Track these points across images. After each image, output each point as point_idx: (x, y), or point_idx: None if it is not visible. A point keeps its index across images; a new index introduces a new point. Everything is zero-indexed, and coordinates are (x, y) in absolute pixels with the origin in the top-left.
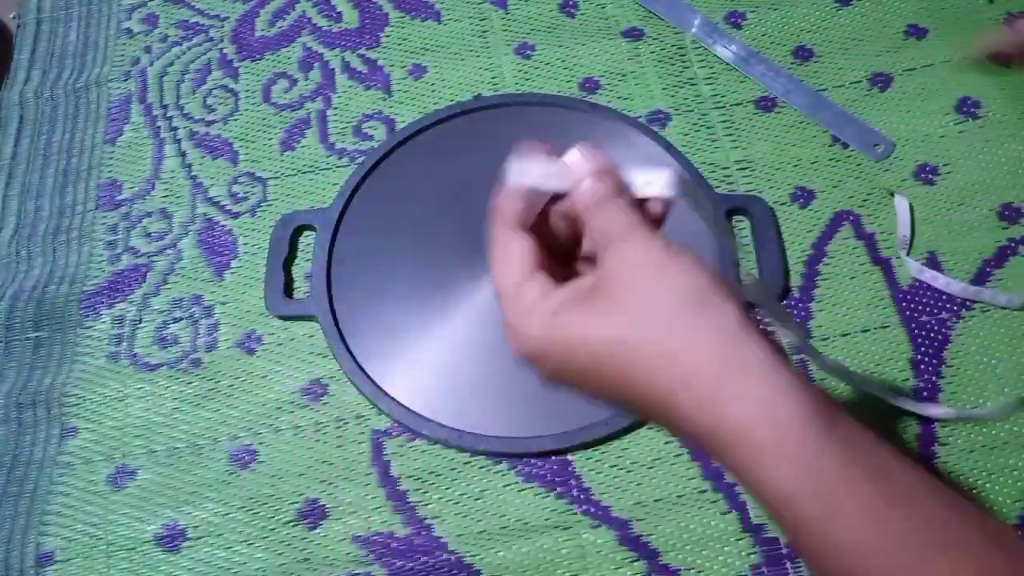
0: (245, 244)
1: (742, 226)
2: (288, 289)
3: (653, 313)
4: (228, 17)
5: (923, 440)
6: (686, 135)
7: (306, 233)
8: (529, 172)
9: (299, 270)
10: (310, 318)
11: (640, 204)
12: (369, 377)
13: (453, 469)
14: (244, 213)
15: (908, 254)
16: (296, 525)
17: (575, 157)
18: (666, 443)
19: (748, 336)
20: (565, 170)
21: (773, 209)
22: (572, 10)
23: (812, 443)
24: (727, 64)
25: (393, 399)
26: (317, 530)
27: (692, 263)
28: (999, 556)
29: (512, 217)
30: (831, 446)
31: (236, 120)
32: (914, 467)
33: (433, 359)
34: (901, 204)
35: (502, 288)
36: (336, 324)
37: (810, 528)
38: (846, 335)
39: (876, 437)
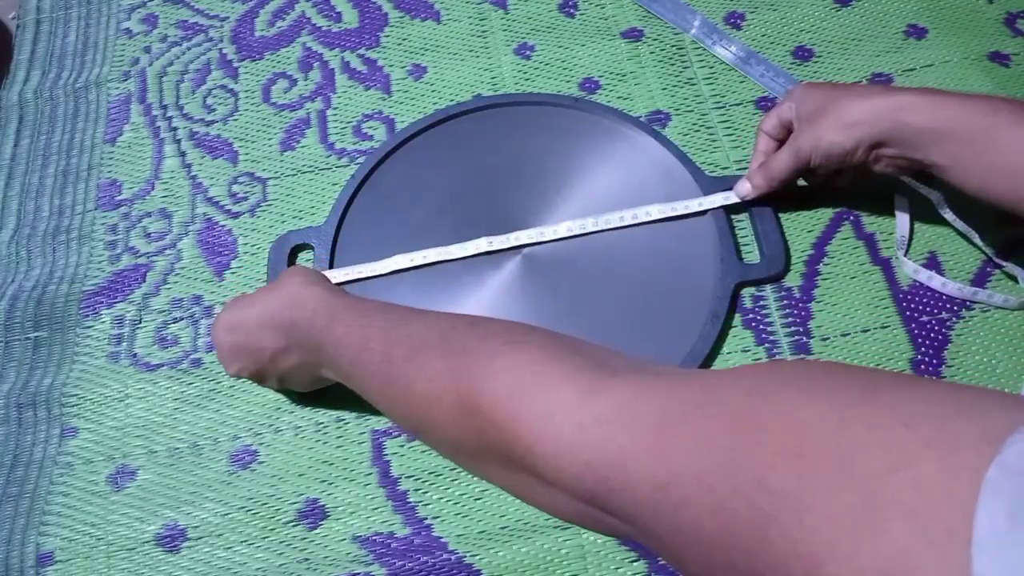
0: (245, 244)
1: (740, 218)
2: None
3: (288, 281)
4: (228, 17)
5: None
6: (686, 135)
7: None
8: None
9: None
10: None
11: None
12: None
13: (453, 469)
14: (244, 213)
15: (906, 254)
16: (296, 525)
17: None
18: None
19: (303, 287)
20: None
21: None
22: (572, 10)
23: (337, 306)
24: (727, 64)
25: None
26: (317, 530)
27: (314, 272)
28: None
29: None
30: (344, 306)
31: (236, 120)
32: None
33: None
34: (900, 204)
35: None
36: None
37: (326, 330)
38: (846, 335)
39: (382, 303)
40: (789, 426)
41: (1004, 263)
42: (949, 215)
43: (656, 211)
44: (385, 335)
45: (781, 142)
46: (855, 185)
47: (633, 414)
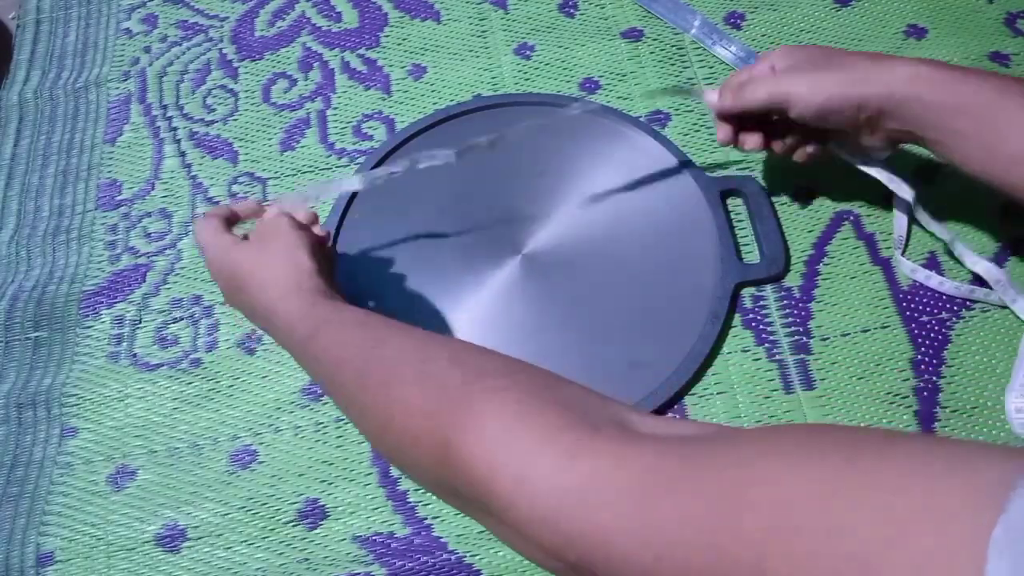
0: None
1: (738, 208)
2: None
3: (269, 249)
4: (228, 17)
5: None
6: (686, 135)
7: None
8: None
9: None
10: None
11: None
12: None
13: None
14: None
15: (903, 254)
16: (296, 525)
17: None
18: None
19: (309, 272)
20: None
21: (766, 188)
22: (572, 10)
23: (314, 296)
24: (727, 64)
25: None
26: (317, 530)
27: (300, 236)
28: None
29: (217, 211)
30: (318, 306)
31: (236, 120)
32: (386, 328)
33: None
34: (899, 204)
35: (206, 235)
36: None
37: (304, 343)
38: (846, 335)
39: (366, 314)
40: (777, 503)
41: (971, 298)
42: (923, 216)
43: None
44: (364, 355)
45: (740, 120)
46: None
47: (613, 487)
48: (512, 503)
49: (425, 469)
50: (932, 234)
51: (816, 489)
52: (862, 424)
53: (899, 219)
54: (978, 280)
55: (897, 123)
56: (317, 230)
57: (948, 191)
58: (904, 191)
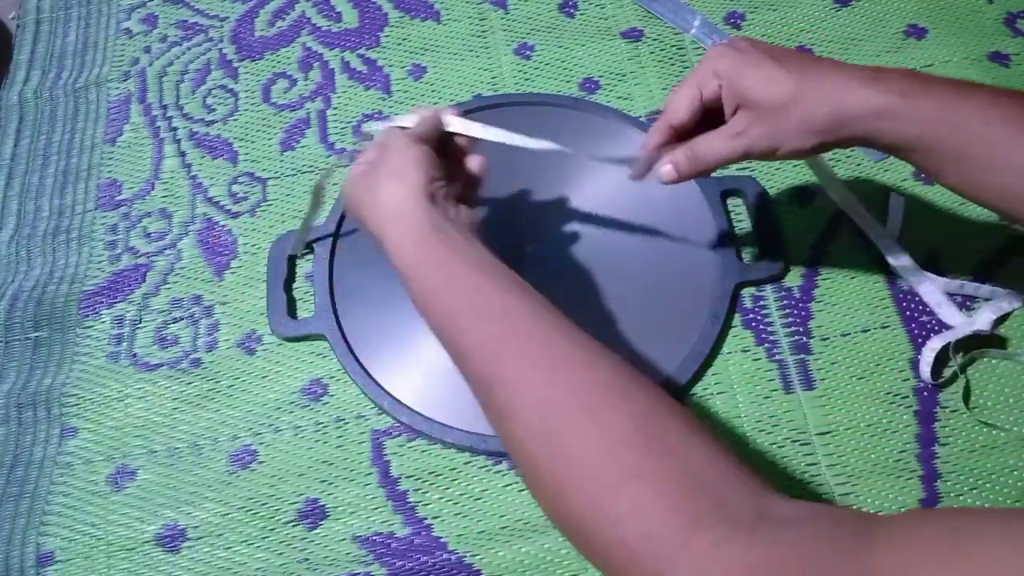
0: (245, 244)
1: (738, 208)
2: (291, 307)
3: (381, 169)
4: (228, 17)
5: (923, 440)
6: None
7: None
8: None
9: (300, 269)
10: (318, 337)
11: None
12: (372, 378)
13: (453, 469)
14: (244, 213)
15: (896, 253)
16: (296, 525)
17: (421, 111)
18: None
19: (413, 189)
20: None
21: (765, 189)
22: (572, 10)
23: (420, 233)
24: None
25: (396, 399)
26: (317, 530)
27: (413, 152)
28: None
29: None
30: (433, 239)
31: (236, 120)
32: (498, 272)
33: (435, 360)
34: (895, 203)
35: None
36: (344, 339)
37: (414, 276)
38: (846, 335)
39: (477, 249)
40: None
41: (961, 293)
42: (861, 218)
43: (518, 139)
44: (485, 349)
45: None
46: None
47: None
48: None
49: (538, 497)
50: (934, 232)
51: None
52: (863, 425)
53: (894, 218)
54: (982, 281)
55: (876, 150)
56: (474, 163)
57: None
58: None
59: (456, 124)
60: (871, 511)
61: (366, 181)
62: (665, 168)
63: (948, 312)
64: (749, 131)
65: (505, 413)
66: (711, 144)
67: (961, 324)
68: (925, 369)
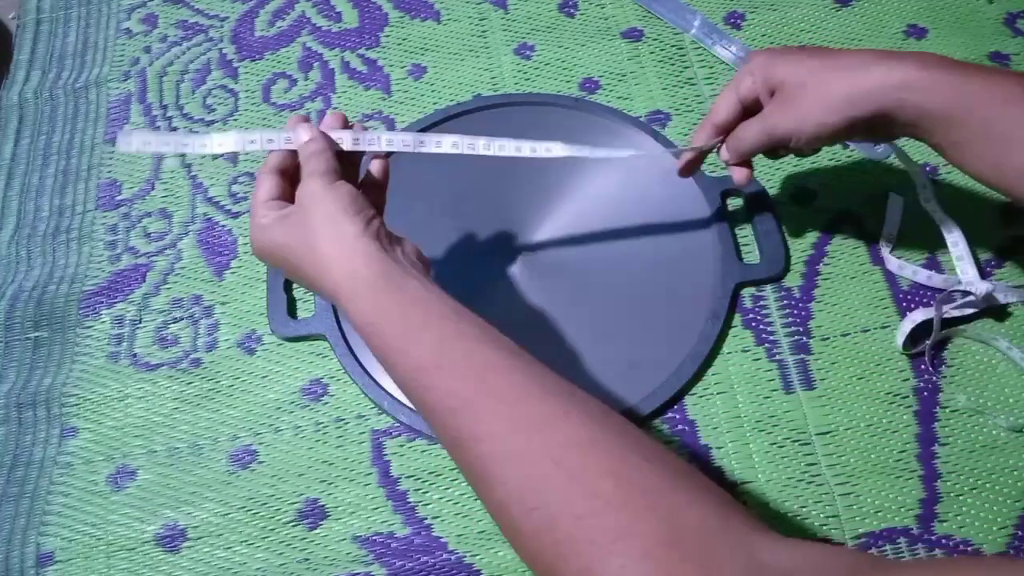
0: (245, 244)
1: (738, 208)
2: (291, 307)
3: (311, 224)
4: (228, 17)
5: (923, 440)
6: (686, 135)
7: None
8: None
9: None
10: (318, 337)
11: (344, 155)
12: (372, 378)
13: (453, 469)
14: (244, 213)
15: (892, 252)
16: (296, 525)
17: (302, 131)
18: (666, 443)
19: (357, 239)
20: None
21: (765, 188)
22: (572, 10)
23: (375, 287)
24: (727, 64)
25: (396, 399)
26: (317, 530)
27: (337, 196)
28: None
29: (269, 165)
30: (389, 291)
31: (236, 120)
32: (459, 317)
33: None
34: (895, 202)
35: (251, 208)
36: (344, 339)
37: (373, 332)
38: (846, 335)
39: (436, 295)
40: None
41: (960, 289)
42: (933, 207)
43: (558, 148)
44: (453, 404)
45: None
46: (850, 188)
47: None
48: None
49: (525, 561)
50: (932, 232)
51: None
52: (863, 425)
53: (892, 217)
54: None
55: (896, 129)
56: (376, 168)
57: (947, 191)
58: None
59: (348, 141)
60: (871, 511)
61: (294, 231)
62: (721, 151)
63: (966, 268)
64: (776, 111)
65: (480, 472)
66: (746, 130)
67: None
68: (900, 338)
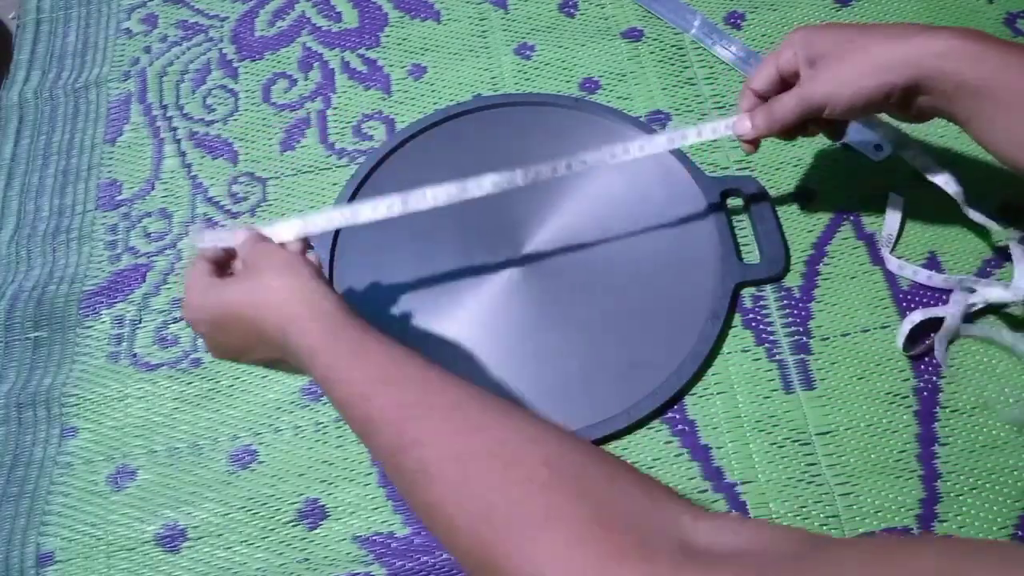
0: None
1: (738, 208)
2: None
3: (264, 271)
4: (228, 17)
5: (923, 440)
6: None
7: None
8: (214, 239)
9: None
10: None
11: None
12: None
13: None
14: (244, 213)
15: (892, 252)
16: (296, 525)
17: (238, 236)
18: (666, 443)
19: (313, 279)
20: (233, 237)
21: (765, 188)
22: (572, 10)
23: (327, 326)
24: (727, 64)
25: None
26: (317, 530)
27: (288, 250)
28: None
29: (205, 255)
30: (337, 330)
31: (236, 120)
32: (404, 357)
33: (435, 360)
34: (894, 202)
35: (188, 283)
36: None
37: (319, 365)
38: (846, 335)
39: (375, 336)
40: None
41: (960, 288)
42: (974, 215)
43: (592, 158)
44: (398, 413)
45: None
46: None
47: None
48: None
49: (461, 562)
50: (932, 232)
51: None
52: (863, 425)
53: (891, 217)
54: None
55: (930, 100)
56: (311, 257)
57: (944, 192)
58: (950, 184)
59: (284, 233)
60: (871, 511)
61: (244, 283)
62: (743, 122)
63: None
64: (814, 78)
65: (417, 474)
66: (783, 100)
67: (950, 304)
68: (900, 339)
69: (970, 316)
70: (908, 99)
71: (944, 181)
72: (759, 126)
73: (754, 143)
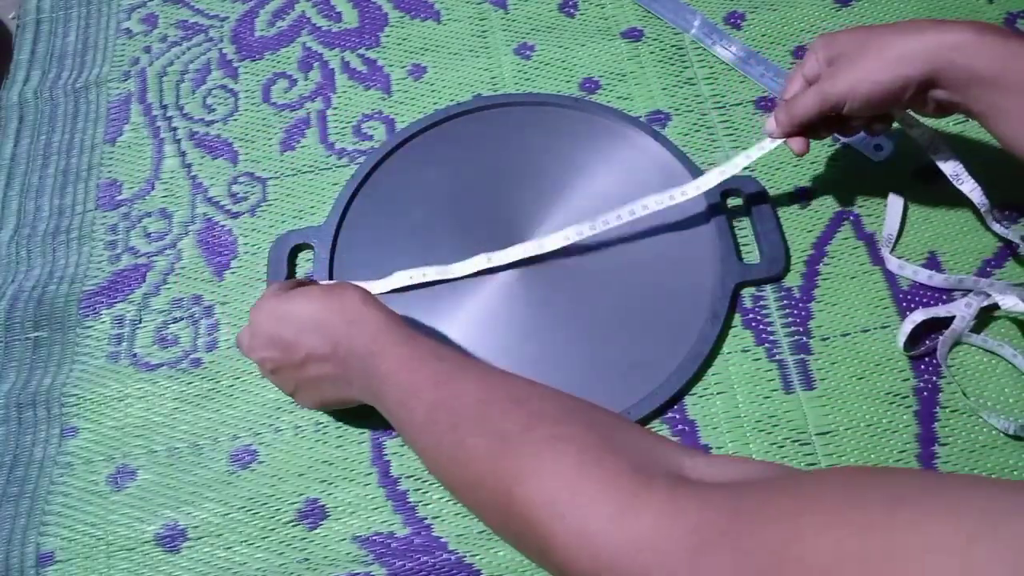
0: (245, 244)
1: (738, 208)
2: None
3: (346, 292)
4: (228, 17)
5: (923, 440)
6: (686, 135)
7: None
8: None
9: (299, 269)
10: None
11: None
12: None
13: None
14: (244, 213)
15: (892, 252)
16: (296, 525)
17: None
18: None
19: (364, 305)
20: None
21: (765, 188)
22: (572, 10)
23: (393, 338)
24: (727, 64)
25: None
26: (317, 530)
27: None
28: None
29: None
30: (401, 341)
31: (236, 120)
32: (456, 364)
33: None
34: (894, 202)
35: (268, 291)
36: None
37: (384, 376)
38: (846, 335)
39: (436, 345)
40: (815, 563)
41: (960, 287)
42: (998, 228)
43: (653, 202)
44: (434, 390)
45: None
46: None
47: (667, 541)
48: (572, 556)
49: (491, 512)
50: (932, 232)
51: (855, 548)
52: (863, 425)
53: (892, 217)
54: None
55: (946, 93)
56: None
57: (948, 192)
58: (975, 192)
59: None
60: None
61: (329, 295)
62: (769, 121)
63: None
64: (832, 75)
65: (448, 425)
66: (803, 97)
67: (951, 305)
68: (901, 339)
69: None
70: (924, 93)
71: (970, 189)
72: (782, 121)
73: (801, 143)
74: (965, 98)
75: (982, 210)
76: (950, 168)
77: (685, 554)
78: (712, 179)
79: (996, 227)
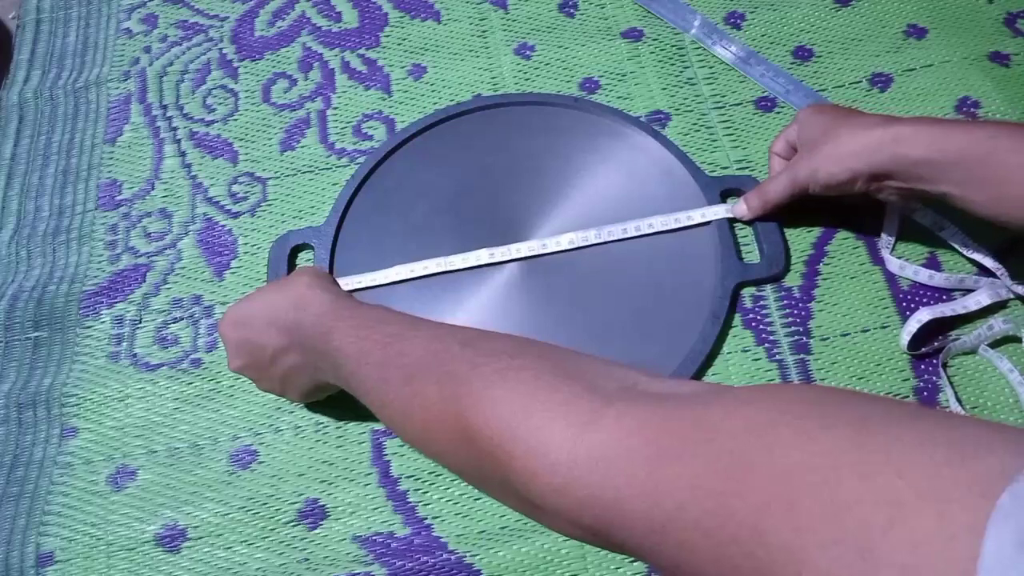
0: (245, 244)
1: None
2: None
3: (296, 279)
4: (228, 17)
5: None
6: (686, 135)
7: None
8: None
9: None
10: None
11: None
12: None
13: None
14: (244, 213)
15: (892, 252)
16: (296, 525)
17: None
18: None
19: (309, 289)
20: None
21: None
22: (572, 10)
23: (340, 313)
24: (727, 64)
25: None
26: (317, 530)
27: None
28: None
29: None
30: (347, 315)
31: (236, 120)
32: (403, 326)
33: None
34: (893, 205)
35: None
36: None
37: (325, 339)
38: (846, 335)
39: (384, 312)
40: (782, 473)
41: (961, 287)
42: (951, 236)
43: (659, 223)
44: (382, 351)
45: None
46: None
47: (627, 451)
48: (534, 475)
49: (450, 454)
50: (932, 232)
51: (820, 463)
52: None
53: (891, 219)
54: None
55: (899, 182)
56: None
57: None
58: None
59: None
60: None
61: (259, 291)
62: (740, 206)
63: None
64: (798, 161)
65: (403, 368)
66: (774, 182)
67: (955, 304)
68: (905, 338)
69: (972, 316)
70: (878, 180)
71: (992, 264)
72: (754, 207)
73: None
74: (918, 183)
75: (997, 273)
76: (959, 241)
77: (645, 463)
78: (719, 212)
79: (1017, 288)
